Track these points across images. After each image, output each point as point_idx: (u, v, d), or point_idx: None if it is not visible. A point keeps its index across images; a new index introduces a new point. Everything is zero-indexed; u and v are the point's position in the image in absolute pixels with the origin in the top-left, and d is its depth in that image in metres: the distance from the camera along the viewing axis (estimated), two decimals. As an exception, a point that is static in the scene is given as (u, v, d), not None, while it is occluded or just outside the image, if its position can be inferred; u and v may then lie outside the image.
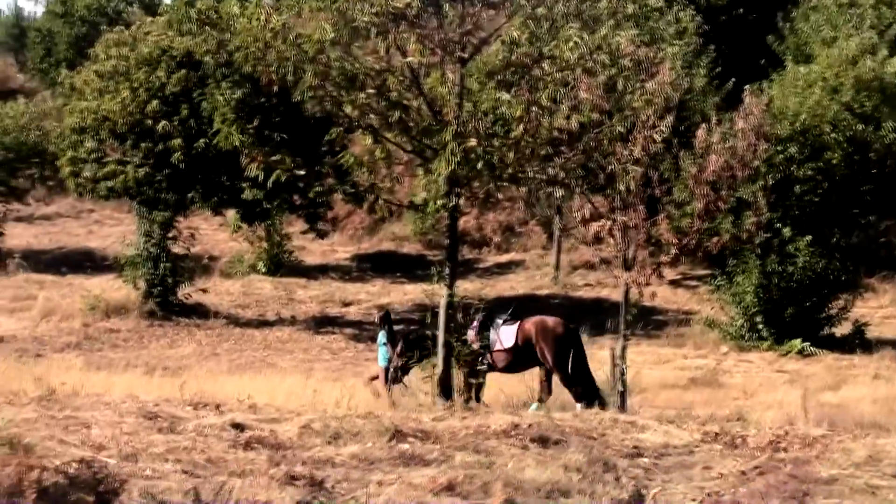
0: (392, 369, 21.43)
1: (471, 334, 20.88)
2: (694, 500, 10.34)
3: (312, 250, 48.59)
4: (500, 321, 20.71)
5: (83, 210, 54.57)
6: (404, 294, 41.49)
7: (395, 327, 22.81)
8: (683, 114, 29.31)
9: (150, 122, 35.12)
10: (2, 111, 46.95)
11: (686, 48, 38.81)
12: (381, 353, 22.31)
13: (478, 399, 19.70)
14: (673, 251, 18.87)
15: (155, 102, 35.14)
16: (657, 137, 17.87)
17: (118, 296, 36.50)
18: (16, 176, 47.19)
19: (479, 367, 20.70)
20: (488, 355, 20.62)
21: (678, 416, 16.30)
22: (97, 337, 33.34)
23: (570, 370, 19.71)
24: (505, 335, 20.62)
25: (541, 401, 19.39)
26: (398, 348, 21.56)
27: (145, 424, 12.17)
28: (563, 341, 19.82)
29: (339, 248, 50.36)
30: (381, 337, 22.42)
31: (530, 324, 20.29)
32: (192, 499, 8.08)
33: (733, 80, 37.92)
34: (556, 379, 19.94)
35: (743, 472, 11.55)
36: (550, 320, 20.55)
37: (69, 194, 47.04)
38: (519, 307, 21.56)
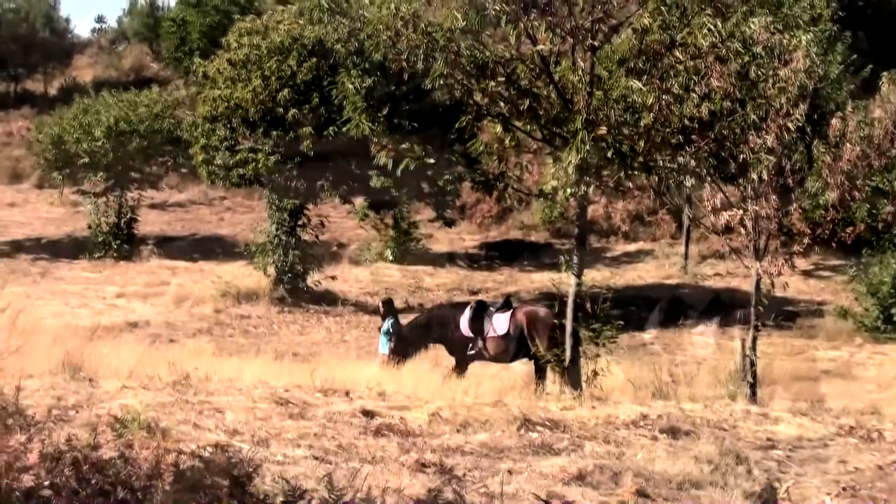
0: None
1: (463, 324, 21.14)
2: (829, 493, 10.18)
3: (439, 238, 48.67)
4: (493, 309, 21.01)
5: (215, 197, 55.36)
6: (531, 282, 41.37)
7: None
8: (817, 102, 28.77)
9: (280, 110, 35.44)
10: (137, 100, 47.71)
11: (821, 35, 38.08)
12: (383, 341, 22.49)
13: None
14: (805, 241, 18.55)
15: (286, 91, 35.46)
16: (791, 126, 17.56)
17: (249, 282, 36.87)
18: (150, 163, 47.90)
19: (467, 354, 21.04)
20: (480, 342, 20.89)
21: (811, 409, 16.09)
22: (228, 323, 33.75)
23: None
24: (498, 323, 20.87)
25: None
26: (391, 345, 21.77)
27: (277, 410, 12.32)
28: (555, 330, 19.97)
29: (466, 237, 50.37)
30: (386, 325, 22.57)
31: (522, 313, 20.65)
32: (326, 485, 8.14)
33: (870, 66, 37.16)
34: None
35: (880, 467, 11.37)
36: (542, 310, 20.80)
37: (201, 182, 47.75)
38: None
